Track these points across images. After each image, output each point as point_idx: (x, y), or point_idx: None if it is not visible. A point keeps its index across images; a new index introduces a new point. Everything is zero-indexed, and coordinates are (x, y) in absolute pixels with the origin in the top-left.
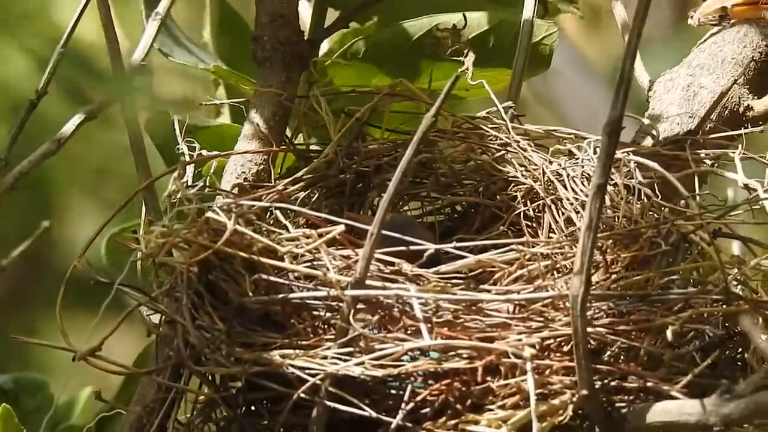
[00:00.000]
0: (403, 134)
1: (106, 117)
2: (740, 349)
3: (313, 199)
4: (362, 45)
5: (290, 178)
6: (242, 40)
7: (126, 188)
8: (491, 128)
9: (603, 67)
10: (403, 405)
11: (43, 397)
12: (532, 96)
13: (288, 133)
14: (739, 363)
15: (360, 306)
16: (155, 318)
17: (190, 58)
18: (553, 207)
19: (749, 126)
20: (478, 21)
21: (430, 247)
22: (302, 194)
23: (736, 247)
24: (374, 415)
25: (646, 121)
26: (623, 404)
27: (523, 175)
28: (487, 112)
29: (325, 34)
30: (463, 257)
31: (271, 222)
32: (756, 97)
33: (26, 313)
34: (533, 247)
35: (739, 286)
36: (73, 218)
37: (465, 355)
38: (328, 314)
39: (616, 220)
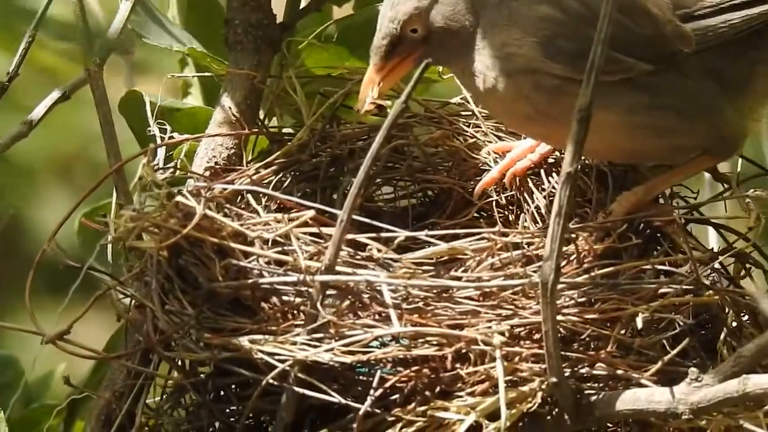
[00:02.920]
0: (377, 116)
1: (77, 99)
2: (710, 338)
3: (286, 183)
4: (335, 28)
5: (262, 162)
6: (212, 21)
7: (97, 171)
8: (464, 114)
9: None
10: (371, 391)
11: (13, 373)
12: None
13: (261, 116)
14: (709, 352)
15: (330, 292)
16: (127, 302)
17: (165, 39)
18: (525, 195)
19: None
20: None
21: (401, 234)
22: (274, 178)
23: (712, 236)
24: (343, 401)
25: None
26: (592, 392)
27: (495, 161)
28: (461, 98)
29: (299, 17)
30: (434, 244)
31: (242, 206)
32: None
33: None
34: (505, 236)
35: (712, 275)
36: (43, 202)
37: (434, 342)
38: (298, 300)
39: (588, 211)
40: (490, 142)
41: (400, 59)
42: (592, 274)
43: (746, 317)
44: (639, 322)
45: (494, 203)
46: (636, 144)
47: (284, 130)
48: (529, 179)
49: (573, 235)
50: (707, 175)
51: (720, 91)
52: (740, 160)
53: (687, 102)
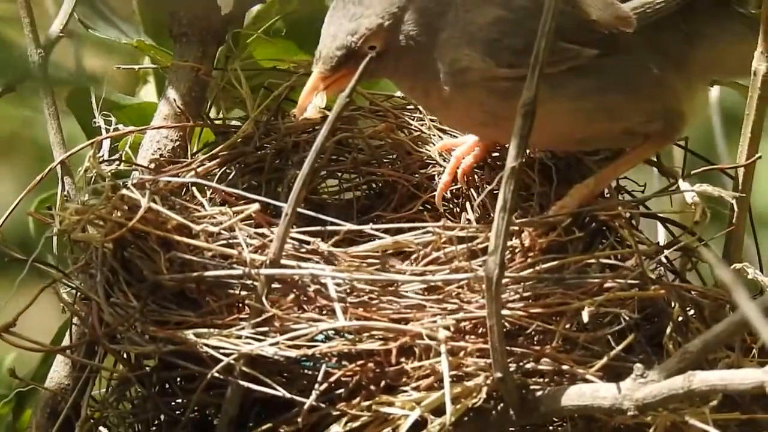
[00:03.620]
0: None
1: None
2: (656, 333)
3: (231, 175)
4: (283, 22)
5: (207, 155)
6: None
7: (42, 162)
8: (409, 108)
9: None
10: (316, 385)
11: None
12: None
13: (206, 109)
14: (655, 347)
15: (275, 285)
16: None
17: (112, 32)
18: (471, 190)
19: None
20: None
21: (345, 227)
22: (219, 170)
23: (660, 231)
24: (288, 395)
25: None
26: (538, 387)
27: (441, 155)
28: None
29: (244, 9)
30: (379, 237)
31: (187, 198)
32: None
33: None
34: (450, 230)
35: (658, 269)
36: None
37: (379, 336)
38: (243, 293)
39: (533, 205)
40: (434, 135)
41: (347, 71)
42: (537, 268)
43: (692, 312)
44: (585, 317)
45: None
46: (589, 129)
47: (229, 123)
48: (474, 173)
49: (517, 229)
50: (654, 169)
51: (664, 64)
52: (686, 154)
53: (634, 79)
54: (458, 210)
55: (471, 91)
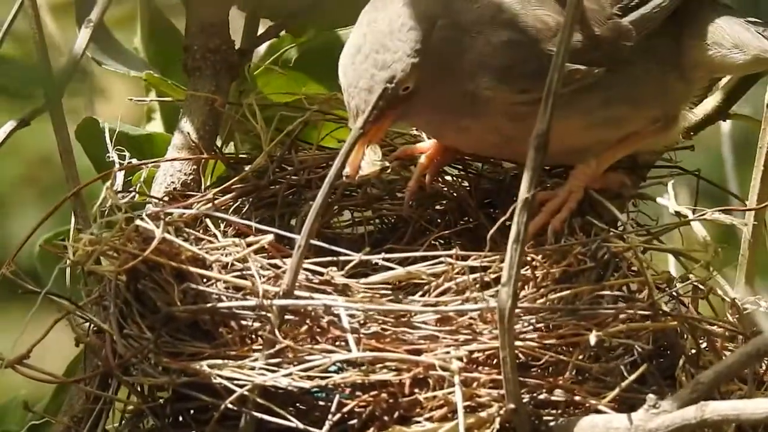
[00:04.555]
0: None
1: (36, 125)
2: (669, 365)
3: (244, 208)
4: (294, 53)
5: (220, 188)
6: (173, 48)
7: (56, 196)
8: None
9: None
10: (330, 416)
11: None
12: None
13: (219, 142)
14: (668, 378)
15: (288, 316)
16: (86, 326)
17: (122, 66)
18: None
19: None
20: None
21: (356, 257)
22: (233, 204)
23: (671, 262)
24: (301, 426)
25: None
26: (551, 418)
27: (454, 187)
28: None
29: (257, 43)
30: (392, 269)
31: (200, 231)
32: None
33: None
34: (463, 259)
35: (671, 301)
36: (5, 223)
37: (393, 367)
38: (257, 324)
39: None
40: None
41: (385, 117)
42: (550, 297)
43: (704, 344)
44: (592, 340)
45: (453, 233)
46: (592, 139)
47: (242, 156)
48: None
49: (529, 258)
50: (667, 203)
51: (664, 69)
52: (698, 183)
53: (639, 88)
54: (471, 243)
55: (491, 118)
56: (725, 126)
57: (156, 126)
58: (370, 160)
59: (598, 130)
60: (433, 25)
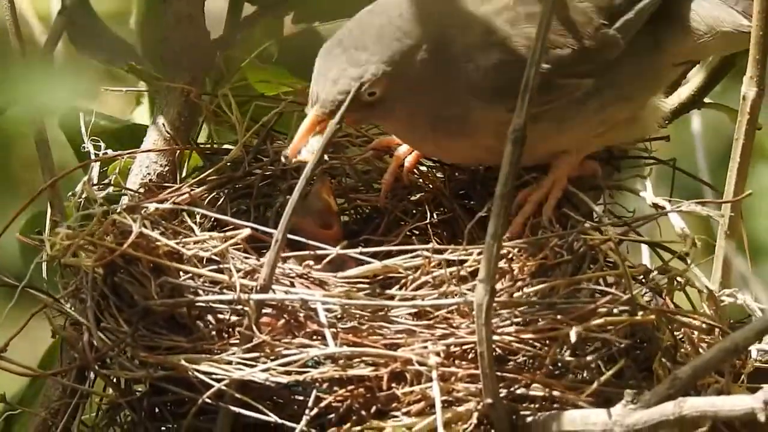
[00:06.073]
0: None
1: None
2: (645, 357)
3: (220, 200)
4: (275, 46)
5: (196, 179)
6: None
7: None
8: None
9: None
10: (307, 411)
11: None
12: None
13: (196, 133)
14: (644, 371)
15: (265, 311)
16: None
17: (103, 53)
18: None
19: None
20: None
21: (333, 251)
22: (209, 195)
23: (645, 255)
24: (278, 420)
25: None
26: (528, 413)
27: (429, 178)
28: None
29: (237, 32)
30: (368, 262)
31: (177, 223)
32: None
33: None
34: (439, 253)
35: (647, 293)
36: None
37: (370, 362)
38: (234, 318)
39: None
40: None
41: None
42: (527, 290)
43: (681, 336)
44: (572, 337)
45: (428, 221)
46: (586, 138)
47: (218, 147)
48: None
49: (506, 251)
50: (644, 195)
51: (647, 59)
52: (674, 174)
53: (628, 87)
54: (447, 235)
55: (479, 137)
56: (696, 117)
57: (143, 111)
58: (311, 148)
59: (597, 130)
60: (418, 47)
